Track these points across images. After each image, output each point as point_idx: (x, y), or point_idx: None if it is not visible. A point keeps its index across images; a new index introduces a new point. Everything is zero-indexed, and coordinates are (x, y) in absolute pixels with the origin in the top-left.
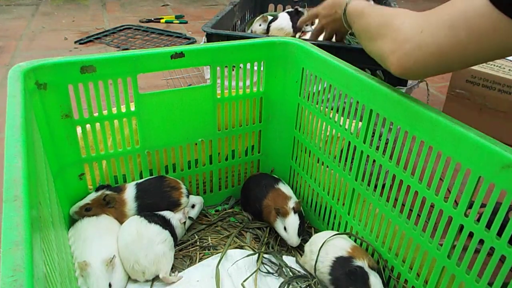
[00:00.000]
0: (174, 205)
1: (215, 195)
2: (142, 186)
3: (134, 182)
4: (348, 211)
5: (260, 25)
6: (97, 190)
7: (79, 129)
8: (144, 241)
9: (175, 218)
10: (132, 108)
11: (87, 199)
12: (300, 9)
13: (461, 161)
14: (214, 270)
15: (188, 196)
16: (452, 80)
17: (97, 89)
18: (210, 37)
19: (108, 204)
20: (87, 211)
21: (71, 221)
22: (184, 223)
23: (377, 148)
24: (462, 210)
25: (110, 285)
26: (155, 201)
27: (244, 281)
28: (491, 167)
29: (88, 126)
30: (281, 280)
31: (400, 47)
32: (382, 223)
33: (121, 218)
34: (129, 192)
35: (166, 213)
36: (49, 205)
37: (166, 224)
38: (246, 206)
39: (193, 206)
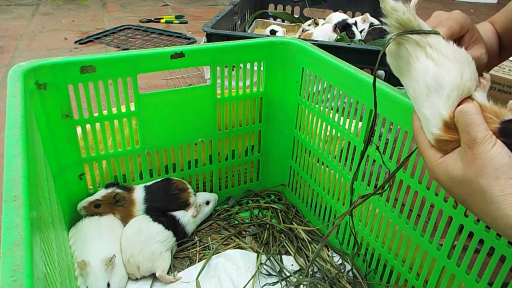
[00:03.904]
0: (184, 206)
1: None
2: (150, 189)
3: (143, 185)
4: None
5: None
6: (106, 187)
7: (79, 129)
8: (142, 236)
9: (188, 215)
10: (132, 108)
11: (98, 195)
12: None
13: None
14: (214, 270)
15: (195, 194)
16: None
17: (97, 89)
18: (210, 37)
19: (117, 202)
20: (97, 207)
21: (71, 221)
22: (195, 216)
23: (377, 148)
24: (462, 210)
25: (108, 284)
26: (163, 204)
27: (246, 284)
28: None
29: (88, 126)
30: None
31: None
32: (382, 223)
33: (128, 218)
34: (138, 194)
35: (178, 213)
36: (49, 205)
37: (170, 224)
38: None
39: (207, 203)
